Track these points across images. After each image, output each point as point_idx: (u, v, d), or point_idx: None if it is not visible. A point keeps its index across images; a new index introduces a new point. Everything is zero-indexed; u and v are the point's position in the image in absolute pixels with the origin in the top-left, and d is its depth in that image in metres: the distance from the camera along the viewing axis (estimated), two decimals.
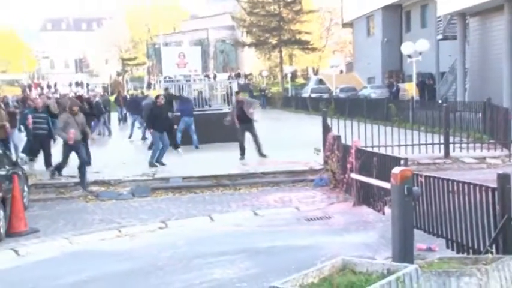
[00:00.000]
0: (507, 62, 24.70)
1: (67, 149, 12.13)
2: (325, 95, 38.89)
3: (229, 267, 6.98)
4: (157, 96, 15.48)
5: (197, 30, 75.84)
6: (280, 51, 53.96)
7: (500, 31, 25.81)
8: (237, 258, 7.34)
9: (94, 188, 12.12)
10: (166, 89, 18.48)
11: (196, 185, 12.39)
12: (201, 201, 11.22)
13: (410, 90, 30.74)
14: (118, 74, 78.46)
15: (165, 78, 27.72)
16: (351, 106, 26.44)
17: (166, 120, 14.90)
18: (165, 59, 27.38)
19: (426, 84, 33.06)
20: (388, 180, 6.87)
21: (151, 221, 9.67)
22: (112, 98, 35.31)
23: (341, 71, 37.11)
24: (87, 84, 66.14)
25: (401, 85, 35.18)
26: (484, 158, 14.02)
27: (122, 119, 30.80)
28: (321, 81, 47.00)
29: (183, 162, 14.85)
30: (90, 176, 12.54)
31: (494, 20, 27.18)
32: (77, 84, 64.80)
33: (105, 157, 15.80)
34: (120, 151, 18.32)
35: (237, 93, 16.38)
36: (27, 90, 55.30)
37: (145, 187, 12.14)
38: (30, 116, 13.59)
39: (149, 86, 62.31)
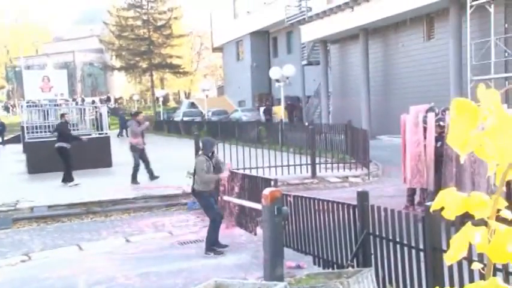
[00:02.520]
0: (364, 86, 26.65)
1: None
2: (198, 119, 39.15)
3: None
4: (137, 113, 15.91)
5: (62, 52, 72.97)
6: (151, 75, 53.54)
7: (357, 57, 27.84)
8: None
9: None
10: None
11: (63, 214, 11.81)
12: (69, 230, 10.70)
13: (278, 113, 31.94)
14: None
15: (27, 102, 26.24)
16: (223, 129, 26.85)
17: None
18: (27, 83, 26.05)
19: (295, 107, 34.61)
20: (259, 201, 7.05)
21: (12, 254, 9.04)
22: None
23: (206, 96, 37.64)
24: None
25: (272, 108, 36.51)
26: (347, 177, 14.88)
27: None
28: (193, 105, 47.25)
29: (49, 190, 14.09)
30: None
31: (351, 47, 29.29)
32: None
33: None
34: None
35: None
36: None
37: (5, 218, 11.32)
38: None
39: (7, 109, 58.62)
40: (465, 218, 1.47)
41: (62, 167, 14.94)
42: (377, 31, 26.91)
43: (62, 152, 14.88)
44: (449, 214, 1.61)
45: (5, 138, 33.67)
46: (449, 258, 1.59)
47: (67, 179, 14.84)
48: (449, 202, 1.59)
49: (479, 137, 1.32)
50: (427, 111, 9.86)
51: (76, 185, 14.54)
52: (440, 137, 9.31)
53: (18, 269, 8.33)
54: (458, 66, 20.70)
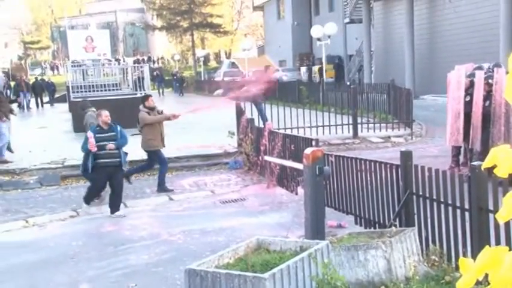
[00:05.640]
0: (408, 45, 25.93)
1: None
2: (238, 79, 39.03)
3: (144, 253, 6.91)
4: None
5: (104, 12, 73.46)
6: (192, 35, 53.46)
7: (401, 15, 27.02)
8: (152, 244, 7.27)
9: None
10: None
11: None
12: None
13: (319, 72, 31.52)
14: (20, 58, 74.50)
15: (72, 62, 26.70)
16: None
17: None
18: (71, 43, 26.47)
19: (341, 66, 34.11)
20: (300, 161, 7.04)
21: (61, 210, 9.36)
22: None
23: (231, 57, 37.44)
24: None
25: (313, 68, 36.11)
26: (389, 137, 14.68)
27: (27, 105, 29.48)
28: (233, 65, 47.09)
29: None
30: None
31: (396, 4, 28.41)
32: None
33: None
34: (26, 139, 17.47)
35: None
36: None
37: (54, 175, 11.69)
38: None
39: (52, 69, 59.86)
40: None
41: None
42: None
43: None
44: (502, 172, 1.55)
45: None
46: (502, 217, 1.54)
47: None
48: (503, 159, 1.53)
49: None
50: (475, 69, 9.55)
51: None
52: (488, 95, 9.01)
53: (68, 224, 8.64)
54: (509, 22, 19.84)
